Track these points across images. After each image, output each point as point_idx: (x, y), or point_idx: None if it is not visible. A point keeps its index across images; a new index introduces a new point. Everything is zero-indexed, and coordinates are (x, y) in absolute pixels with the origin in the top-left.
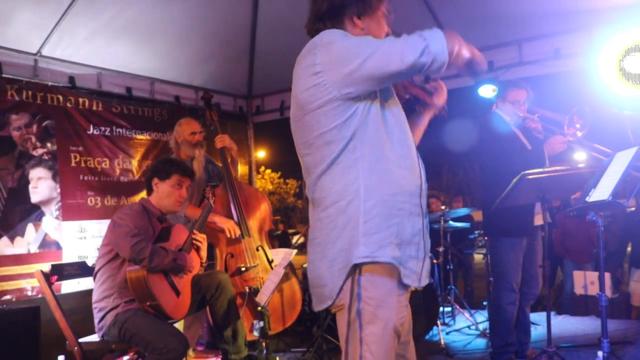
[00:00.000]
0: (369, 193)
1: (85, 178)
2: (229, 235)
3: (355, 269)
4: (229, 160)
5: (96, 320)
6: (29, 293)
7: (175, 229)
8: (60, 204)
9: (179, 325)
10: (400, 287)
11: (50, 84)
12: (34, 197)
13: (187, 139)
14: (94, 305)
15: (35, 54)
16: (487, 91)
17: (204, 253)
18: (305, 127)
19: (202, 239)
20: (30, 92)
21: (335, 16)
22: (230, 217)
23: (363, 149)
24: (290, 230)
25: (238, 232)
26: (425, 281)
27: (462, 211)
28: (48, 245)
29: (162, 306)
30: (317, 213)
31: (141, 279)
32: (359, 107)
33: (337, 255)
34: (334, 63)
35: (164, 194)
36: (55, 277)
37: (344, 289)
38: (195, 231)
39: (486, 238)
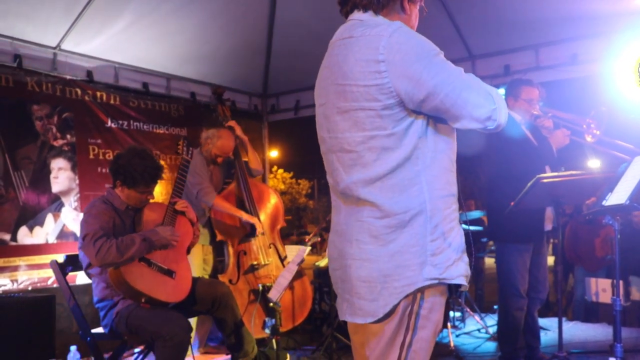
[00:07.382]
0: (433, 209)
1: (104, 170)
2: (259, 230)
3: (418, 291)
4: (246, 153)
5: (100, 319)
6: (46, 283)
7: (148, 209)
8: (79, 195)
9: (193, 321)
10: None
11: (68, 77)
12: (55, 187)
13: (212, 157)
14: (95, 305)
15: (54, 48)
16: None
17: (192, 214)
18: (356, 123)
19: (183, 204)
20: (49, 84)
21: None
22: None
23: (425, 159)
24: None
25: (261, 230)
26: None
27: (475, 214)
28: (66, 236)
29: (156, 297)
30: (362, 214)
31: (122, 281)
32: (421, 113)
33: (394, 272)
34: (405, 69)
35: (130, 196)
36: (70, 268)
37: (396, 309)
38: (173, 200)
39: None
